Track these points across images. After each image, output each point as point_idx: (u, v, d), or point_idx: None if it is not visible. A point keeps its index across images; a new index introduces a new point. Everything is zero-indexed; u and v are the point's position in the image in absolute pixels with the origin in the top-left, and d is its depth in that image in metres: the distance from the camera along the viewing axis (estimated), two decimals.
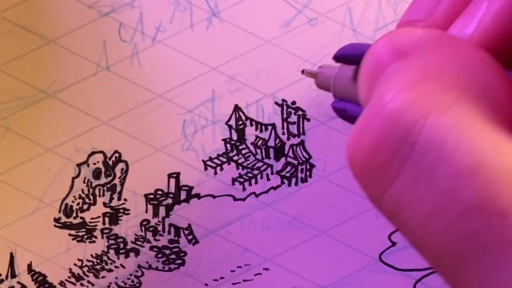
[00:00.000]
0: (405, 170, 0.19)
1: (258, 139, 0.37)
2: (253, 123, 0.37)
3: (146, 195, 0.37)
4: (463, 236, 0.18)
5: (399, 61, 0.21)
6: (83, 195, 0.37)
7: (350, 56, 0.27)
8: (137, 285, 0.37)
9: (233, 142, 0.37)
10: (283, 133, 0.37)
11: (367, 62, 0.23)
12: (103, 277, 0.37)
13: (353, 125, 0.21)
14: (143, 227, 0.37)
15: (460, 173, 0.18)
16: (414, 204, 0.19)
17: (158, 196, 0.37)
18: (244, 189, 0.37)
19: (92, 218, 0.37)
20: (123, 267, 0.37)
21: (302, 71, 0.32)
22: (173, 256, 0.37)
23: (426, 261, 0.19)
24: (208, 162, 0.37)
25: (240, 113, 0.37)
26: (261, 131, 0.37)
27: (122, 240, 0.37)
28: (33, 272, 0.37)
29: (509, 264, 0.18)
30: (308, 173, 0.37)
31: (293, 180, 0.37)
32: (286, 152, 0.37)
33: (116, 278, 0.37)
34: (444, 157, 0.19)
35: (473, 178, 0.18)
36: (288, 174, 0.37)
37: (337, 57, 0.30)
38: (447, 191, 0.18)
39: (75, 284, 0.37)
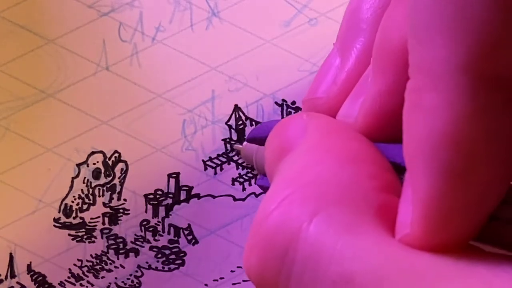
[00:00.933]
0: (292, 286, 0.20)
1: None
2: (253, 123, 0.37)
3: (145, 195, 0.37)
4: None
5: (284, 158, 0.23)
6: (82, 195, 0.37)
7: (261, 139, 0.29)
8: (137, 285, 0.37)
9: (233, 142, 0.37)
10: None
11: (266, 153, 0.25)
12: (102, 277, 0.37)
13: None
14: (142, 227, 0.37)
15: (335, 285, 0.19)
16: None
17: (158, 196, 0.37)
18: (244, 189, 0.37)
19: (91, 218, 0.37)
20: (123, 267, 0.37)
21: (232, 147, 0.36)
22: (172, 256, 0.37)
23: None
24: (208, 162, 0.37)
25: (240, 113, 0.37)
26: None
27: (121, 240, 0.37)
28: (32, 272, 0.37)
29: None
30: None
31: None
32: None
33: (116, 278, 0.37)
34: (319, 272, 0.19)
35: (347, 287, 0.19)
36: None
37: (249, 140, 0.33)
38: None
39: (74, 284, 0.37)
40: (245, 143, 0.33)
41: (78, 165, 0.37)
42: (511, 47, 0.18)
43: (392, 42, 0.23)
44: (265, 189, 0.29)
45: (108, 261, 0.37)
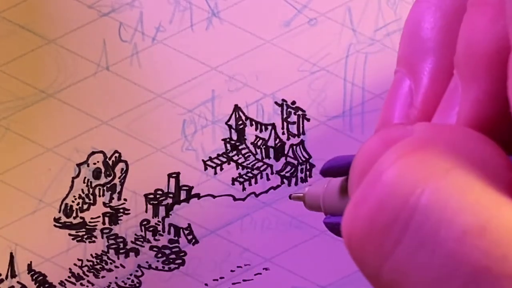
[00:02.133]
0: (406, 237, 0.19)
1: (258, 139, 0.37)
2: (253, 123, 0.37)
3: (146, 195, 0.37)
4: None
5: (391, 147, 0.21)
6: (83, 195, 0.37)
7: (338, 168, 0.27)
8: (137, 285, 0.37)
9: (233, 142, 0.37)
10: (283, 133, 0.37)
11: (358, 159, 0.23)
12: (103, 277, 0.37)
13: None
14: (143, 227, 0.37)
15: (465, 234, 0.18)
16: (418, 271, 0.19)
17: (158, 196, 0.37)
18: (244, 189, 0.37)
19: (92, 218, 0.37)
20: (123, 267, 0.37)
21: (290, 196, 0.32)
22: (173, 256, 0.37)
23: None
24: (208, 162, 0.37)
25: (240, 113, 0.37)
26: (261, 131, 0.37)
27: (122, 240, 0.37)
28: (33, 272, 0.37)
29: None
30: (308, 173, 0.37)
31: (293, 180, 0.37)
32: (286, 152, 0.37)
33: (116, 278, 0.37)
34: (447, 220, 0.18)
35: (480, 239, 0.18)
36: (288, 174, 0.37)
37: (324, 171, 0.30)
38: (453, 254, 0.18)
39: (75, 284, 0.37)
40: (307, 188, 0.31)
41: (78, 165, 0.37)
42: None
43: (480, 48, 0.22)
44: (334, 225, 0.27)
45: (109, 261, 0.37)
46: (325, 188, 0.28)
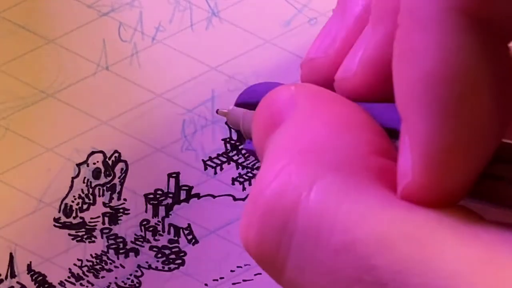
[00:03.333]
0: (291, 258, 0.20)
1: None
2: None
3: (145, 195, 0.37)
4: None
5: (276, 131, 0.23)
6: (82, 195, 0.37)
7: (249, 104, 0.29)
8: (137, 285, 0.37)
9: (233, 142, 0.37)
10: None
11: (254, 126, 0.25)
12: (102, 277, 0.37)
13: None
14: (142, 227, 0.37)
15: (337, 253, 0.19)
16: (308, 286, 0.20)
17: (157, 196, 0.37)
18: (244, 189, 0.37)
19: (91, 218, 0.37)
20: (123, 267, 0.37)
21: (217, 111, 0.34)
22: (172, 256, 0.37)
23: None
24: (208, 162, 0.37)
25: None
26: None
27: (121, 240, 0.37)
28: (32, 272, 0.37)
29: None
30: None
31: None
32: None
33: (116, 278, 0.37)
34: (321, 240, 0.19)
35: (349, 256, 0.19)
36: None
37: (237, 105, 0.32)
38: (331, 272, 0.19)
39: (74, 284, 0.37)
40: (231, 107, 0.32)
41: (78, 165, 0.37)
42: None
43: None
44: (252, 153, 0.29)
45: (108, 261, 0.37)
46: (243, 114, 0.30)
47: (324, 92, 0.25)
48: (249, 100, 0.30)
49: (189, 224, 0.37)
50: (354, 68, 0.25)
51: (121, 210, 0.37)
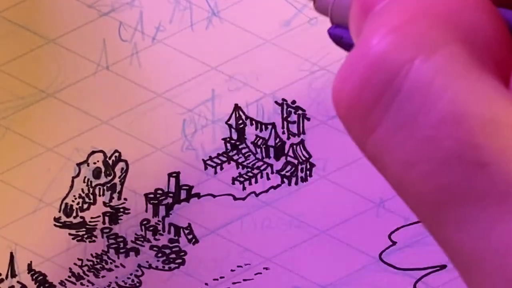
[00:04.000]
0: (389, 115, 0.19)
1: (258, 138, 0.37)
2: (253, 122, 0.37)
3: (146, 195, 0.37)
4: (441, 186, 0.18)
5: (386, 1, 0.21)
6: (83, 195, 0.37)
7: None
8: (137, 284, 0.37)
9: (233, 141, 0.37)
10: (283, 132, 0.37)
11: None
12: (103, 276, 0.37)
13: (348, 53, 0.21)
14: (143, 227, 0.37)
15: (442, 122, 0.18)
16: (396, 150, 0.19)
17: (158, 195, 0.37)
18: (244, 188, 0.37)
19: (92, 218, 0.37)
20: (123, 266, 0.37)
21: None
22: (173, 256, 0.37)
23: (407, 205, 0.19)
24: (208, 162, 0.37)
25: (240, 113, 0.37)
26: (261, 130, 0.37)
27: (122, 239, 0.37)
28: (33, 272, 0.37)
29: (484, 215, 0.18)
30: (308, 172, 0.37)
31: (293, 179, 0.37)
32: (286, 151, 0.37)
33: (116, 277, 0.37)
34: (428, 104, 0.18)
35: (455, 128, 0.18)
36: (288, 174, 0.37)
37: None
38: (428, 139, 0.18)
39: (75, 284, 0.37)
40: None
41: (79, 165, 0.37)
42: None
43: None
44: (337, 38, 0.27)
45: (109, 261, 0.37)
46: None
47: None
48: None
49: (189, 224, 0.37)
50: None
51: (121, 210, 0.37)
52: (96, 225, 0.37)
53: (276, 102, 0.37)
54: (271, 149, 0.37)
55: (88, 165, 0.37)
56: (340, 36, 0.23)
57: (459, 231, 0.18)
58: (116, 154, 0.37)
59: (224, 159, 0.37)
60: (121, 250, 0.37)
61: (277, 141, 0.37)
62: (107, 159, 0.37)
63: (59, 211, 0.37)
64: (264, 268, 0.37)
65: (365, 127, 0.20)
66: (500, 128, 0.18)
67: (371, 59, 0.19)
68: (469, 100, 0.18)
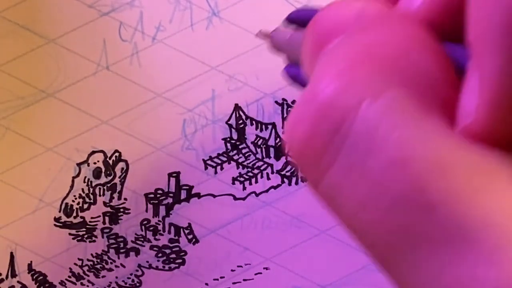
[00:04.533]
0: (339, 160, 0.19)
1: (258, 138, 0.37)
2: (253, 122, 0.37)
3: (146, 195, 0.37)
4: (392, 229, 0.18)
5: (336, 39, 0.21)
6: (83, 195, 0.37)
7: (303, 21, 0.26)
8: (137, 284, 0.37)
9: (233, 141, 0.37)
10: (284, 132, 0.37)
11: (308, 36, 0.23)
12: (103, 276, 0.37)
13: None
14: (143, 227, 0.37)
15: (389, 166, 0.18)
16: (347, 194, 0.19)
17: (158, 195, 0.37)
18: (244, 188, 0.37)
19: (92, 218, 0.37)
20: (123, 266, 0.37)
21: (257, 34, 0.32)
22: (173, 256, 0.37)
23: (361, 246, 0.19)
24: (208, 162, 0.37)
25: (240, 112, 0.37)
26: (261, 130, 0.37)
27: (122, 239, 0.37)
28: (33, 272, 0.37)
29: (435, 258, 0.18)
30: None
31: (294, 179, 0.37)
32: (286, 151, 0.37)
33: (117, 277, 0.37)
34: (374, 149, 0.19)
35: (401, 171, 0.18)
36: (288, 173, 0.37)
37: (290, 20, 0.29)
38: (377, 183, 0.18)
39: (75, 284, 0.37)
40: (278, 26, 0.31)
41: (79, 165, 0.37)
42: None
43: None
44: (293, 76, 0.27)
45: (109, 261, 0.37)
46: (290, 35, 0.28)
47: (395, 10, 0.23)
48: (303, 17, 0.27)
49: (189, 224, 0.37)
50: (417, 3, 0.23)
51: (121, 210, 0.37)
52: (96, 225, 0.37)
53: (276, 102, 0.37)
54: (272, 149, 0.37)
55: (88, 165, 0.37)
56: (296, 75, 0.23)
57: (412, 273, 0.18)
58: (116, 154, 0.37)
59: (224, 159, 0.37)
60: (121, 250, 0.37)
61: (277, 141, 0.37)
62: (107, 159, 0.37)
63: (59, 211, 0.37)
64: (264, 268, 0.37)
65: (316, 171, 0.20)
66: (445, 170, 0.18)
67: (319, 105, 0.20)
68: (413, 143, 0.18)
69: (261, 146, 0.37)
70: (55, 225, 0.37)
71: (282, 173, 0.37)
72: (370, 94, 0.19)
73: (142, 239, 0.37)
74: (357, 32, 0.21)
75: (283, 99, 0.37)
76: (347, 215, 0.19)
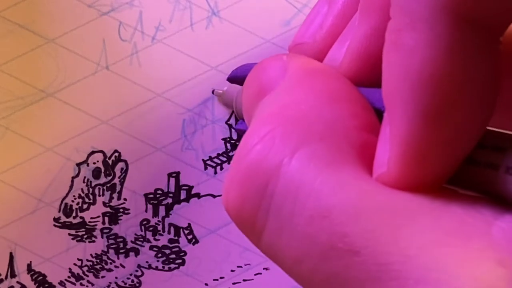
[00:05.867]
0: (270, 220, 0.21)
1: None
2: None
3: (146, 195, 0.37)
4: (327, 276, 0.19)
5: (264, 98, 0.23)
6: (82, 195, 0.37)
7: (242, 79, 0.28)
8: (137, 285, 0.37)
9: (233, 141, 0.37)
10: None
11: (243, 95, 0.25)
12: (103, 276, 0.37)
13: None
14: (143, 227, 0.37)
15: (313, 218, 0.19)
16: (283, 251, 0.20)
17: (158, 195, 0.37)
18: None
19: (91, 218, 0.37)
20: (123, 266, 0.37)
21: (212, 91, 0.35)
22: (173, 256, 0.37)
23: None
24: (208, 162, 0.37)
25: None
26: None
27: (122, 239, 0.37)
28: (32, 272, 0.37)
29: None
30: None
31: None
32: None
33: (116, 277, 0.37)
34: (298, 204, 0.20)
35: (324, 222, 0.19)
36: None
37: (230, 79, 0.32)
38: (306, 236, 0.20)
39: (74, 284, 0.37)
40: (225, 87, 0.32)
41: (78, 165, 0.37)
42: None
43: None
44: (243, 133, 0.29)
45: (108, 261, 0.37)
46: (237, 92, 0.30)
47: (316, 63, 0.25)
48: (242, 75, 0.30)
49: (189, 224, 0.37)
50: (340, 59, 0.25)
51: (121, 210, 0.37)
52: (96, 225, 0.37)
53: None
54: None
55: (88, 165, 0.37)
56: (244, 131, 0.24)
57: None
58: (116, 154, 0.37)
59: (224, 159, 0.37)
60: (121, 250, 0.37)
61: None
62: (107, 159, 0.37)
63: (59, 211, 0.37)
64: (264, 269, 0.37)
65: (253, 231, 0.21)
66: (362, 214, 0.19)
67: (246, 167, 0.21)
68: (331, 193, 0.20)
69: None
70: (54, 225, 0.37)
71: None
72: (287, 153, 0.21)
73: (141, 239, 0.37)
74: (279, 92, 0.23)
75: None
76: (288, 268, 0.21)
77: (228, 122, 0.37)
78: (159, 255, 0.37)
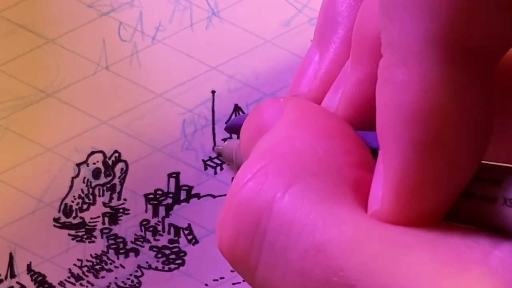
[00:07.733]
0: (263, 257, 0.21)
1: None
2: None
3: (145, 195, 0.37)
4: None
5: (261, 138, 0.24)
6: (82, 195, 0.37)
7: (239, 127, 0.29)
8: (137, 285, 0.37)
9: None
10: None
11: (241, 137, 0.25)
12: (102, 277, 0.37)
13: None
14: (142, 227, 0.37)
15: (307, 253, 0.19)
16: (278, 285, 0.20)
17: (158, 196, 0.37)
18: None
19: (91, 218, 0.37)
20: (123, 267, 0.37)
21: (213, 148, 0.36)
22: (173, 256, 0.37)
23: None
24: (208, 162, 0.37)
25: (240, 113, 0.37)
26: None
27: (121, 240, 0.37)
28: (32, 272, 0.37)
29: None
30: None
31: None
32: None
33: (116, 278, 0.37)
34: (291, 239, 0.20)
35: (318, 256, 0.19)
36: None
37: (227, 129, 0.33)
38: (300, 272, 0.20)
39: (74, 284, 0.37)
40: (225, 142, 0.33)
41: (78, 165, 0.37)
42: (478, 20, 0.18)
43: (369, 32, 0.24)
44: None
45: (108, 261, 0.37)
46: (236, 146, 0.30)
47: (312, 104, 0.25)
48: (238, 123, 0.30)
49: (189, 224, 0.37)
50: (335, 106, 0.25)
51: (121, 210, 0.37)
52: (96, 225, 0.37)
53: None
54: None
55: (87, 165, 0.37)
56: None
57: None
58: (116, 154, 0.37)
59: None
60: (121, 251, 0.37)
61: None
62: (107, 159, 0.37)
63: (59, 212, 0.37)
64: None
65: (247, 269, 0.21)
66: (357, 247, 0.19)
67: (238, 204, 0.21)
68: (325, 227, 0.20)
69: None
70: (54, 225, 0.37)
71: None
72: (280, 188, 0.21)
73: (141, 240, 0.37)
74: (274, 131, 0.23)
75: None
76: None
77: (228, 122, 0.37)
78: (159, 255, 0.37)
